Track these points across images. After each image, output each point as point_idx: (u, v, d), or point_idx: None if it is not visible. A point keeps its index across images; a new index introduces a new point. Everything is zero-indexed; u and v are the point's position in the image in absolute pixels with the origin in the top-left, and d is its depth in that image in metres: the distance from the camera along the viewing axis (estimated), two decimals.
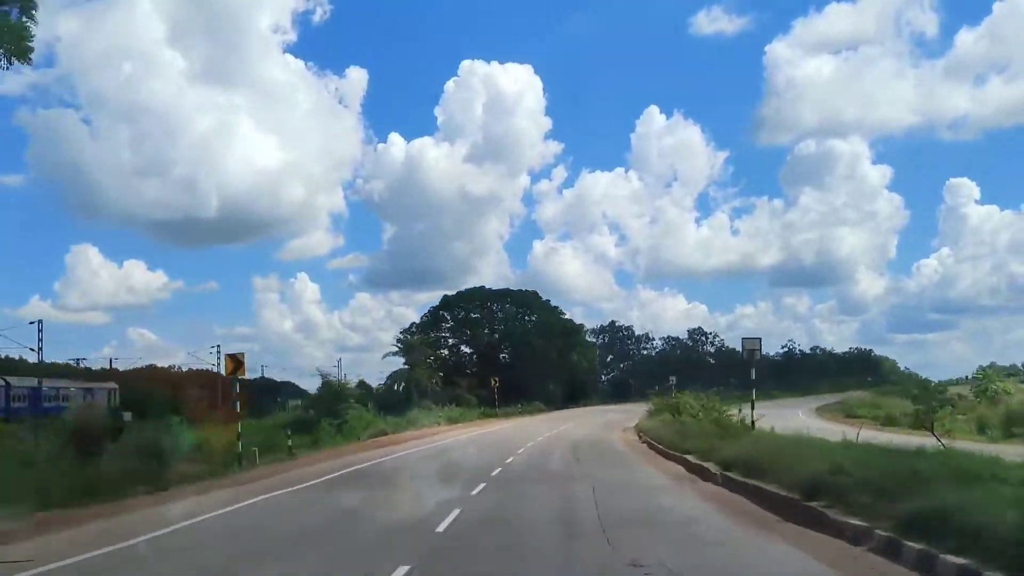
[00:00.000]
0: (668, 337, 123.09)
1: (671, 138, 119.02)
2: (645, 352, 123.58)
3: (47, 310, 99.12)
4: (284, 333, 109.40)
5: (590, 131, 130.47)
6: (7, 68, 11.73)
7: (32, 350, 41.64)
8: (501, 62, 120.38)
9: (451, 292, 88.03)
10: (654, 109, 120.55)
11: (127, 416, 31.56)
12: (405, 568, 7.84)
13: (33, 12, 11.73)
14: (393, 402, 51.52)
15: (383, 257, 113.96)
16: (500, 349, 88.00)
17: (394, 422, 40.31)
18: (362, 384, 72.07)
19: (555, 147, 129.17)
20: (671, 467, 19.17)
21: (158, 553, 9.35)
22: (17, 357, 49.14)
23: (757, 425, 21.70)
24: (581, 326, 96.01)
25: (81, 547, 9.57)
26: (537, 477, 17.24)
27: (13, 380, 42.18)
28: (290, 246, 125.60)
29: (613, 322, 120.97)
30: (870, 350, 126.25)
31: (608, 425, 44.77)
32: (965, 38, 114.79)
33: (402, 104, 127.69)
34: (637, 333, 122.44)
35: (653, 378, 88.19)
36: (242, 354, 21.23)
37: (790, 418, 35.78)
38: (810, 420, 42.96)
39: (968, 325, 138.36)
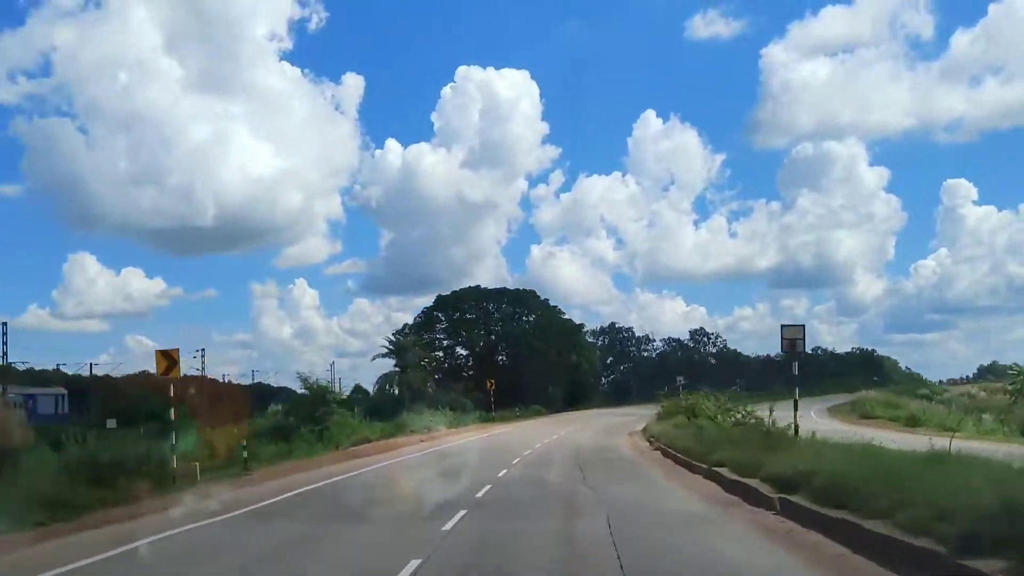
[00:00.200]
0: (669, 338, 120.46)
1: (668, 142, 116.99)
2: (646, 354, 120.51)
3: (45, 318, 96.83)
4: (283, 339, 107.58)
5: (587, 135, 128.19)
6: None
7: None
8: (497, 67, 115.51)
9: (446, 292, 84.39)
10: (651, 113, 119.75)
11: (110, 424, 29.71)
12: None
13: None
14: (384, 407, 48.52)
15: (381, 263, 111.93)
16: (497, 351, 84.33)
17: (381, 428, 37.01)
18: (358, 389, 68.77)
19: (552, 152, 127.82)
20: (699, 483, 15.49)
21: None
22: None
23: (784, 429, 18.18)
24: (581, 326, 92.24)
25: None
26: (534, 500, 13.56)
27: None
28: (288, 253, 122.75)
29: (613, 323, 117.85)
30: (872, 350, 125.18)
31: (612, 429, 41.38)
32: (961, 40, 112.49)
33: (399, 110, 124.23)
34: (637, 335, 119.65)
35: (654, 380, 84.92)
36: (176, 350, 17.51)
37: (802, 419, 32.23)
38: (824, 421, 39.69)
39: (966, 325, 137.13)
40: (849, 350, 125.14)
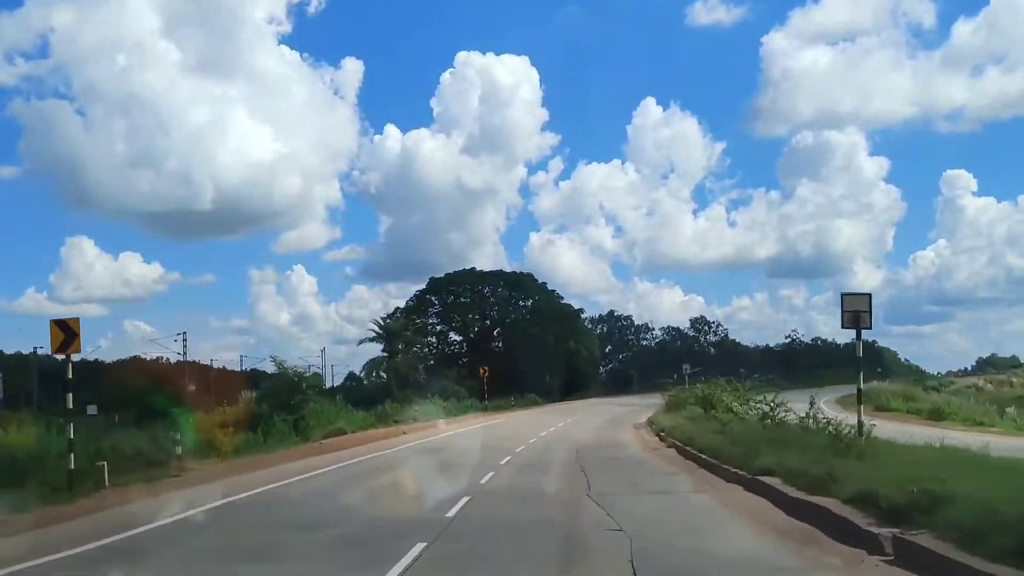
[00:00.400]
0: (669, 327, 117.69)
1: (668, 129, 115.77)
2: (645, 343, 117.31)
3: (42, 302, 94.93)
4: (281, 325, 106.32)
5: (587, 122, 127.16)
6: None
7: None
8: (497, 53, 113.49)
9: (439, 275, 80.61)
10: (651, 100, 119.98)
11: (91, 410, 28.34)
12: None
13: None
14: (376, 395, 45.45)
15: (379, 249, 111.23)
16: (492, 336, 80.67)
17: (362, 418, 33.45)
18: (352, 376, 65.37)
19: (552, 139, 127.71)
20: (743, 499, 11.81)
21: None
22: None
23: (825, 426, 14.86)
24: (580, 311, 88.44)
25: None
26: (521, 530, 9.68)
27: None
28: (286, 238, 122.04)
29: (612, 311, 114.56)
30: (874, 341, 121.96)
31: (615, 421, 37.89)
32: (962, 29, 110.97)
33: (398, 95, 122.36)
34: (636, 323, 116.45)
35: (655, 369, 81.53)
36: (76, 320, 13.73)
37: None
38: (835, 413, 36.04)
39: (965, 317, 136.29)
40: (848, 341, 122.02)
